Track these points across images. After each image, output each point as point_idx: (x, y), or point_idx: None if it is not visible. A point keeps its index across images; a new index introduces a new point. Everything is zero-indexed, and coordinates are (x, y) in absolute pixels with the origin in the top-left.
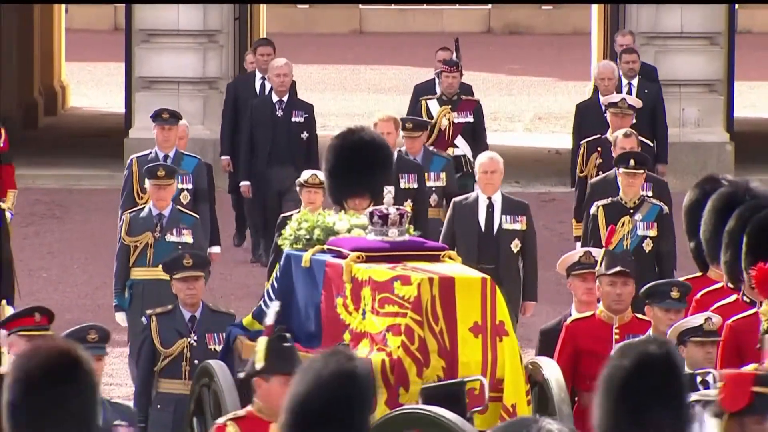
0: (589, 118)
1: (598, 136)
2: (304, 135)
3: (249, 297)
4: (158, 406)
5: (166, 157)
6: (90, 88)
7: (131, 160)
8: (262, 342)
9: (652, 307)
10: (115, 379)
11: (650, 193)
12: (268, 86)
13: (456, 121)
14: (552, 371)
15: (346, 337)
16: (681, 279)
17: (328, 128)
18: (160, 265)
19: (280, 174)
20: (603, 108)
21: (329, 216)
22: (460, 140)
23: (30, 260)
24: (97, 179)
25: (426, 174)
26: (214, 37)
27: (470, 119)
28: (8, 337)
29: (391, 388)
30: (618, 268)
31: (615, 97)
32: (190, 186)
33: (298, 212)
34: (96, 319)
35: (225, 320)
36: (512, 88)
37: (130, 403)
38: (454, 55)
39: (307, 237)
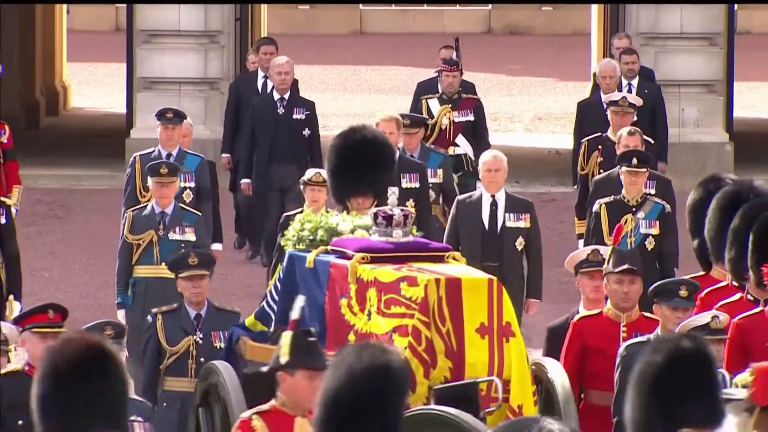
0: (590, 116)
1: (599, 134)
2: (306, 132)
3: (250, 297)
4: (164, 404)
5: (169, 155)
6: (91, 88)
7: (134, 158)
8: (287, 336)
9: (660, 305)
10: None
11: (653, 191)
12: (270, 85)
13: (456, 119)
14: (556, 371)
15: (351, 337)
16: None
17: (329, 128)
18: (165, 264)
19: (281, 172)
20: (604, 106)
21: (332, 216)
22: (461, 139)
23: (32, 260)
24: (99, 179)
25: None
26: (215, 38)
27: (471, 118)
28: (22, 334)
29: None
30: (625, 266)
31: (616, 96)
32: (192, 184)
33: (301, 211)
34: (97, 319)
35: (230, 318)
36: (512, 88)
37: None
38: (454, 54)
39: (311, 238)
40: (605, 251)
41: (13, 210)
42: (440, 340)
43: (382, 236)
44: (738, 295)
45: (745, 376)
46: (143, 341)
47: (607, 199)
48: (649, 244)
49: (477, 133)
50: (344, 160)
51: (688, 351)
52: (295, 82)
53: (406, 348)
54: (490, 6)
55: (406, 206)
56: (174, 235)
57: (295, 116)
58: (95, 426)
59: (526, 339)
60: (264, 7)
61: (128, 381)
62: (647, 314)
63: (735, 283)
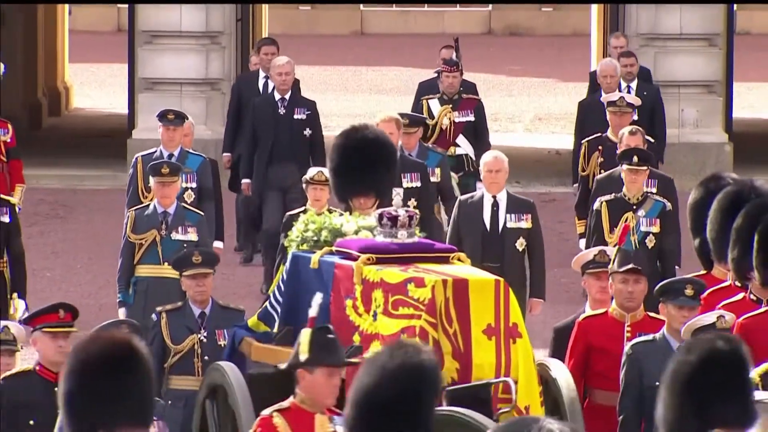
0: (591, 116)
1: (599, 135)
2: (307, 132)
3: (251, 296)
4: (168, 402)
5: (170, 156)
6: (93, 89)
7: (136, 158)
8: (306, 334)
9: (666, 304)
10: None
11: (655, 190)
12: (271, 85)
13: (457, 120)
14: (560, 371)
15: (356, 338)
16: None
17: (330, 128)
18: (169, 263)
19: (282, 172)
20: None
21: (336, 217)
22: (462, 139)
23: (34, 260)
24: (101, 179)
25: None
26: (216, 39)
27: (471, 118)
28: (33, 333)
29: None
30: (630, 266)
31: (613, 96)
32: (194, 185)
33: (304, 211)
34: (98, 319)
35: (235, 317)
36: (512, 89)
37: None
38: (454, 54)
39: (315, 239)
40: (612, 252)
41: (17, 209)
42: (447, 341)
43: (387, 237)
44: (741, 295)
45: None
46: (147, 340)
47: (607, 197)
48: (650, 242)
49: (478, 134)
50: (346, 160)
51: (723, 351)
52: (297, 82)
53: None
54: (490, 7)
55: (408, 206)
56: (177, 235)
57: (296, 116)
58: (122, 422)
59: None
60: (265, 7)
61: (154, 377)
62: (652, 314)
63: (737, 283)
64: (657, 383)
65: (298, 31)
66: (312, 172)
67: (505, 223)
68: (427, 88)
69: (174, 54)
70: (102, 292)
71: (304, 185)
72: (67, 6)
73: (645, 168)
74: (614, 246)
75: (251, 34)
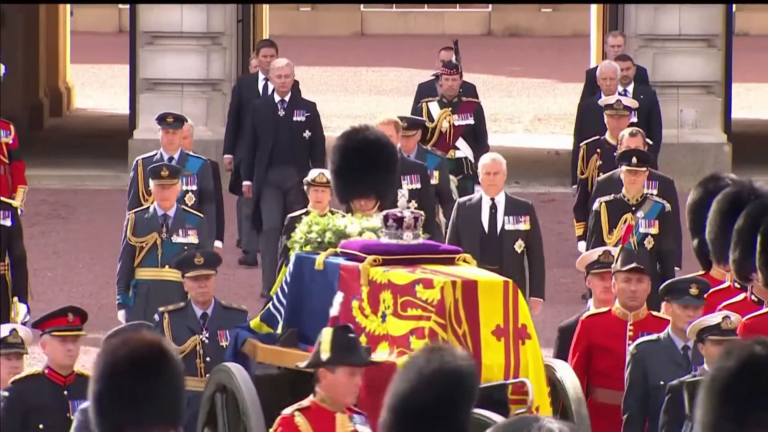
0: (590, 118)
1: (597, 137)
2: (307, 134)
3: (252, 297)
4: None
5: (171, 158)
6: (95, 89)
7: (136, 161)
8: (327, 333)
9: (670, 303)
10: None
11: (655, 192)
12: (270, 87)
13: (456, 123)
14: (566, 373)
15: (362, 339)
16: None
17: (330, 129)
18: (169, 266)
19: (281, 174)
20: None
21: (339, 219)
22: (461, 142)
23: (35, 260)
24: (102, 180)
25: None
26: (217, 39)
27: (471, 121)
28: (42, 337)
29: None
30: (633, 265)
31: (610, 99)
32: (195, 187)
33: (306, 212)
34: (98, 319)
35: (237, 317)
36: (512, 89)
37: None
38: (454, 57)
39: (318, 240)
40: (616, 252)
41: (19, 212)
42: (456, 343)
43: (393, 239)
44: (742, 296)
45: None
46: None
47: (607, 198)
48: (648, 243)
49: (477, 137)
50: (347, 162)
51: (761, 356)
52: (296, 83)
53: None
54: (490, 7)
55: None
56: (177, 238)
57: (295, 118)
58: (153, 422)
59: None
60: (266, 8)
61: (184, 379)
62: (655, 313)
63: (737, 284)
64: (661, 382)
65: (299, 32)
66: (313, 173)
67: (503, 225)
68: (426, 90)
69: (175, 55)
70: (103, 292)
71: (305, 187)
72: (68, 7)
73: (644, 169)
74: (615, 245)
75: (252, 35)
